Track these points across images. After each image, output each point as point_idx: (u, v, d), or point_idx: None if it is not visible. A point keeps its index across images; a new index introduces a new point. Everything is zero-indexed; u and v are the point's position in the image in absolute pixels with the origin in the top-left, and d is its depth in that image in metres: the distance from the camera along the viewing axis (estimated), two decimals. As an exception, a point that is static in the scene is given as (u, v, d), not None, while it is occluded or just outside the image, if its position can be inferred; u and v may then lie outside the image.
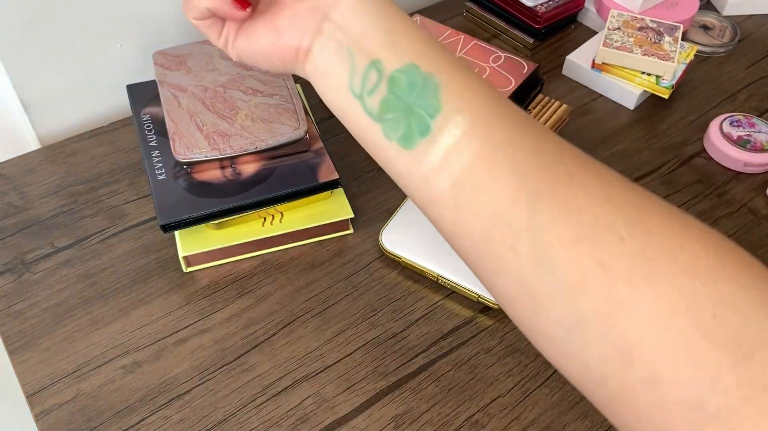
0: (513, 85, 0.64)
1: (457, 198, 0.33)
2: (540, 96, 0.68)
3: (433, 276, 0.55)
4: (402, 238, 0.56)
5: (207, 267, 0.56)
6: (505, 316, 0.54)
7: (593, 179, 0.33)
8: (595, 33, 0.83)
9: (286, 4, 0.38)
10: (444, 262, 0.55)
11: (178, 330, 0.52)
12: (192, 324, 0.53)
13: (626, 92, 0.73)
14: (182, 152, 0.54)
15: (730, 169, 0.67)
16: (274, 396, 0.49)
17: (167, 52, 0.62)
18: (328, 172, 0.57)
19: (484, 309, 0.55)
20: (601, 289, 0.30)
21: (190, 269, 0.56)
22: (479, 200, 0.33)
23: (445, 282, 0.55)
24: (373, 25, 0.36)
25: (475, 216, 0.33)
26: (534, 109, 0.66)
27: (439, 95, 0.34)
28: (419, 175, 0.34)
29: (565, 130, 0.70)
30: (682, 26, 0.75)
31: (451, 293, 0.55)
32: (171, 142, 0.54)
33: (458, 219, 0.34)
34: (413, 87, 0.34)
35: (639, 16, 0.77)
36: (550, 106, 0.67)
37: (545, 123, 0.65)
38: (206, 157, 0.54)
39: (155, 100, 0.62)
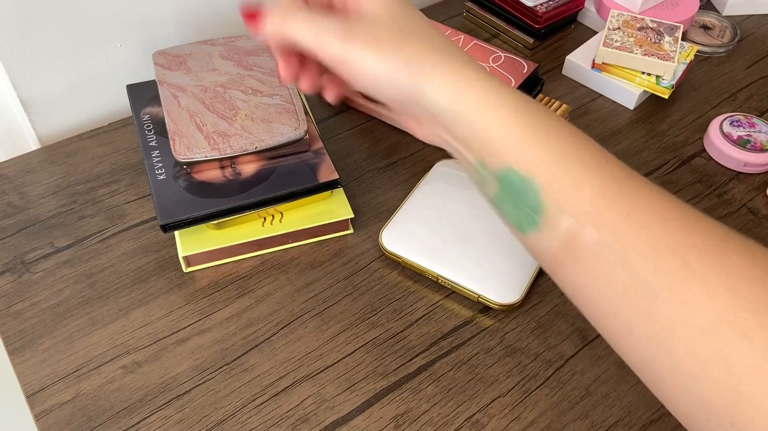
0: (513, 85, 0.64)
1: (577, 275, 0.35)
2: (540, 95, 0.68)
3: (433, 276, 0.55)
4: (402, 238, 0.56)
5: (207, 267, 0.56)
6: (505, 316, 0.54)
7: (713, 268, 0.31)
8: (595, 33, 0.83)
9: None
10: (444, 262, 0.55)
11: (178, 330, 0.52)
12: (192, 324, 0.53)
13: (626, 92, 0.73)
14: (182, 152, 0.54)
15: (730, 169, 0.67)
16: (274, 396, 0.49)
17: (167, 52, 0.62)
18: (328, 172, 0.57)
19: (484, 309, 0.55)
20: (726, 384, 0.30)
21: (190, 269, 0.56)
22: (598, 283, 0.34)
23: (445, 282, 0.55)
24: (472, 129, 0.36)
25: (595, 298, 0.34)
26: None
27: (539, 198, 0.35)
28: (538, 250, 0.37)
29: (565, 130, 0.70)
30: (682, 26, 0.75)
31: (451, 293, 0.55)
32: (171, 142, 0.54)
33: (581, 285, 0.35)
34: (515, 189, 0.35)
35: (639, 16, 0.77)
36: (551, 106, 0.67)
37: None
38: (206, 157, 0.54)
39: (155, 100, 0.62)
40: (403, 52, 0.37)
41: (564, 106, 0.67)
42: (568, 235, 0.34)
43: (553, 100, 0.67)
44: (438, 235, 0.56)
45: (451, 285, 0.54)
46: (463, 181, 0.60)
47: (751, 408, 0.29)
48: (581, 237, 0.33)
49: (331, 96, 0.45)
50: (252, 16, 0.39)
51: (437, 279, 0.55)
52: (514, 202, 0.36)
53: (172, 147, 0.54)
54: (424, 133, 0.41)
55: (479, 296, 0.53)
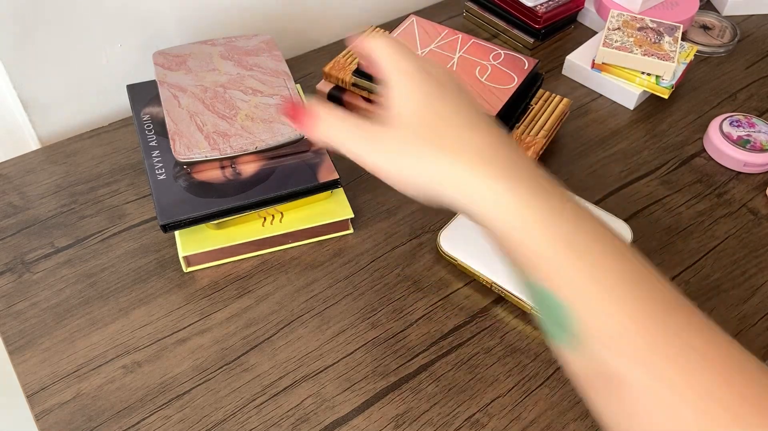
0: (516, 82, 0.64)
1: (610, 406, 0.33)
2: (541, 91, 0.68)
3: (487, 282, 0.55)
4: (460, 241, 0.57)
5: (207, 267, 0.56)
6: (505, 316, 0.54)
7: (756, 416, 0.30)
8: (595, 33, 0.83)
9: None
10: (499, 269, 0.55)
11: (178, 330, 0.52)
12: (192, 324, 0.53)
13: (626, 92, 0.73)
14: (182, 152, 0.54)
15: (730, 169, 0.67)
16: (274, 396, 0.49)
17: (167, 52, 0.62)
18: (328, 172, 0.57)
19: (484, 309, 0.55)
20: None
21: (190, 269, 0.56)
22: (638, 422, 0.32)
23: (498, 289, 0.55)
24: (503, 239, 0.34)
25: (626, 417, 0.32)
26: (536, 104, 0.66)
27: (572, 324, 0.32)
28: (571, 366, 0.34)
29: (565, 131, 0.70)
30: (682, 26, 0.75)
31: (451, 293, 0.55)
32: (171, 142, 0.54)
33: (616, 417, 0.33)
34: (549, 307, 0.33)
35: (639, 16, 0.77)
36: (552, 101, 0.67)
37: (548, 118, 0.65)
38: (206, 157, 0.54)
39: (155, 100, 0.62)
40: (436, 169, 0.35)
41: (565, 100, 0.67)
42: (607, 370, 0.32)
43: (553, 95, 0.67)
44: None
45: (505, 293, 0.54)
46: None
47: None
48: (623, 375, 0.31)
49: None
50: (296, 115, 0.39)
51: (491, 285, 0.55)
52: (550, 318, 0.33)
53: (172, 147, 0.54)
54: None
55: (533, 308, 0.53)
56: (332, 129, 0.38)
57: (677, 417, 0.30)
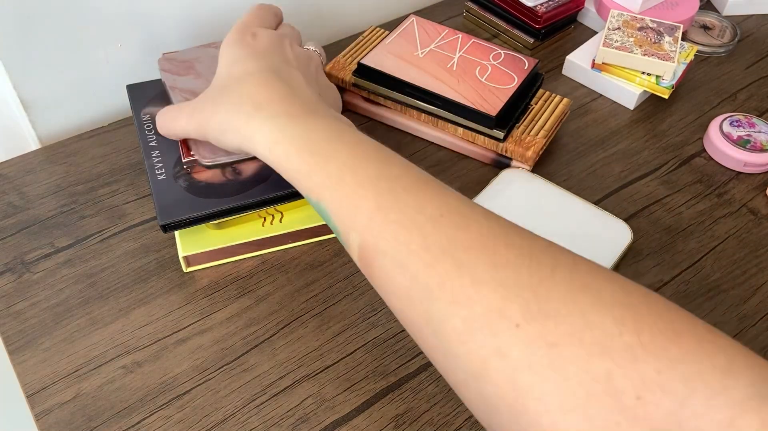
0: (516, 82, 0.64)
1: (375, 284, 0.38)
2: (541, 91, 0.68)
3: None
4: None
5: (207, 267, 0.56)
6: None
7: (483, 264, 0.32)
8: (595, 33, 0.83)
9: None
10: None
11: (178, 330, 0.52)
12: (192, 324, 0.53)
13: (626, 92, 0.73)
14: (208, 156, 0.54)
15: (730, 169, 0.67)
16: (274, 396, 0.49)
17: (173, 58, 0.62)
18: (328, 172, 0.57)
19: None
20: (503, 376, 0.29)
21: (190, 269, 0.56)
22: (388, 290, 0.36)
23: None
24: (287, 167, 0.42)
25: (391, 303, 0.37)
26: (536, 104, 0.66)
27: (332, 220, 0.39)
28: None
29: (565, 130, 0.70)
30: (682, 26, 0.75)
31: (451, 293, 0.55)
32: (192, 148, 0.54)
33: (381, 293, 0.37)
34: (321, 215, 0.40)
35: (639, 16, 0.77)
36: (552, 101, 0.67)
37: (548, 118, 0.65)
38: (231, 159, 0.54)
39: (155, 100, 0.62)
40: (217, 121, 0.47)
41: (565, 99, 0.67)
42: (359, 249, 0.37)
43: (554, 95, 0.67)
44: None
45: None
46: (530, 190, 0.60)
47: (532, 400, 0.28)
48: (366, 249, 0.36)
49: None
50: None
51: None
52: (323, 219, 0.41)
53: (195, 152, 0.54)
54: None
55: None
56: (160, 118, 0.53)
57: (408, 271, 0.34)
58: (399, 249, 0.34)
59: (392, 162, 0.39)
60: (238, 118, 0.44)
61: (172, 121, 0.52)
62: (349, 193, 0.37)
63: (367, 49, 0.71)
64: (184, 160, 0.55)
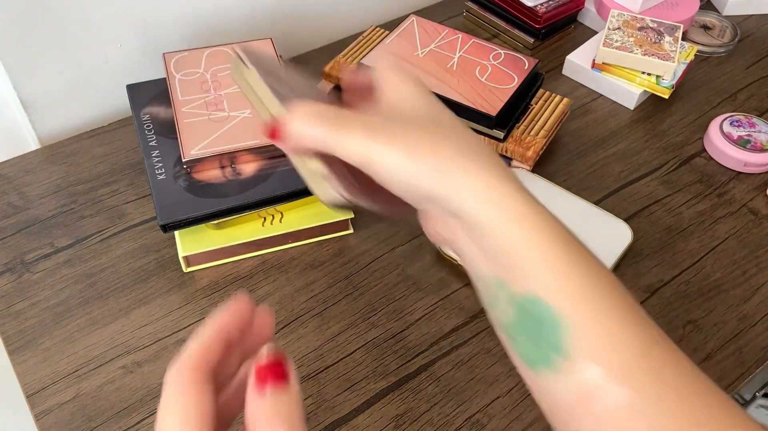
0: (516, 82, 0.64)
1: (566, 403, 0.31)
2: (541, 91, 0.68)
3: None
4: None
5: (207, 267, 0.56)
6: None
7: None
8: (595, 33, 0.83)
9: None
10: None
11: (178, 330, 0.52)
12: (192, 324, 0.53)
13: (626, 92, 0.73)
14: (357, 195, 0.43)
15: (730, 169, 0.67)
16: (274, 396, 0.49)
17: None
18: (328, 171, 0.57)
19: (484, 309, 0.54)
20: None
21: (190, 269, 0.56)
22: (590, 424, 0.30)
23: None
24: (500, 241, 0.32)
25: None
26: (536, 104, 0.66)
27: (565, 337, 0.30)
28: (547, 395, 0.32)
29: (565, 130, 0.70)
30: (682, 26, 0.75)
31: (451, 293, 0.55)
32: (335, 176, 0.42)
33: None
34: (535, 321, 0.31)
35: (639, 16, 0.77)
36: (552, 101, 0.67)
37: (548, 118, 0.65)
38: (369, 204, 0.45)
39: (155, 99, 0.62)
40: (436, 157, 0.33)
41: (565, 99, 0.67)
42: (592, 388, 0.30)
43: (554, 95, 0.67)
44: None
45: None
46: (530, 190, 0.60)
47: None
48: (609, 394, 0.29)
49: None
50: (274, 132, 0.35)
51: None
52: (531, 335, 0.31)
53: (332, 179, 0.41)
54: (434, 229, 0.36)
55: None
56: (314, 118, 0.34)
57: None
58: (657, 413, 0.29)
59: (637, 302, 0.33)
60: (471, 165, 0.33)
61: (334, 131, 0.34)
62: (610, 319, 0.30)
63: (367, 49, 0.71)
64: (184, 160, 0.55)
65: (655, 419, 0.29)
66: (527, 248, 0.31)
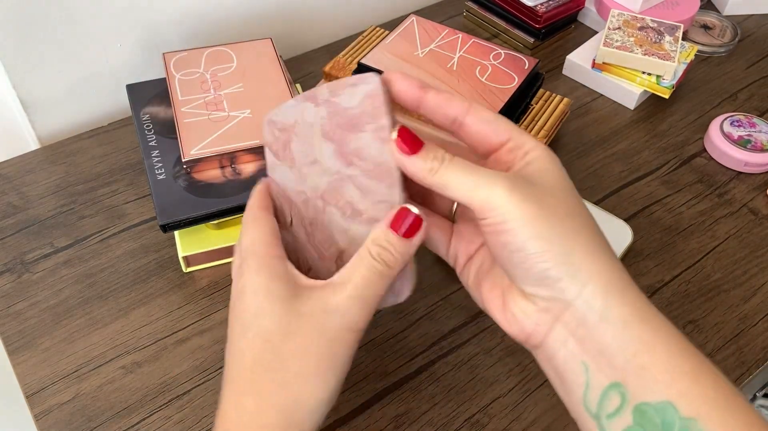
0: (516, 82, 0.64)
1: None
2: (541, 91, 0.68)
3: None
4: None
5: (207, 267, 0.56)
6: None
7: None
8: (596, 33, 0.83)
9: (516, 293, 0.34)
10: None
11: (178, 330, 0.52)
12: (192, 324, 0.53)
13: (626, 92, 0.73)
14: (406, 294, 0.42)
15: (730, 169, 0.67)
16: (274, 396, 0.49)
17: (277, 120, 0.41)
18: (328, 171, 0.57)
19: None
20: None
21: (190, 269, 0.56)
22: None
23: None
24: (621, 339, 0.31)
25: None
26: (536, 104, 0.66)
27: None
28: None
29: (565, 130, 0.70)
30: (682, 26, 0.75)
31: (451, 293, 0.55)
32: (404, 284, 0.40)
33: None
34: (668, 426, 0.29)
35: (639, 16, 0.77)
36: (552, 101, 0.67)
37: (548, 118, 0.65)
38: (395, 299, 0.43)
39: (155, 99, 0.62)
40: (569, 248, 0.32)
41: (565, 99, 0.67)
42: None
43: (554, 95, 0.67)
44: None
45: None
46: None
47: None
48: None
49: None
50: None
51: None
52: None
53: (398, 286, 0.41)
54: (513, 318, 0.34)
55: None
56: (457, 167, 0.33)
57: None
58: None
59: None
60: (600, 262, 0.32)
61: (470, 172, 0.33)
62: (740, 421, 0.30)
63: (367, 49, 0.71)
64: (184, 160, 0.55)
65: None
66: (657, 351, 0.30)
